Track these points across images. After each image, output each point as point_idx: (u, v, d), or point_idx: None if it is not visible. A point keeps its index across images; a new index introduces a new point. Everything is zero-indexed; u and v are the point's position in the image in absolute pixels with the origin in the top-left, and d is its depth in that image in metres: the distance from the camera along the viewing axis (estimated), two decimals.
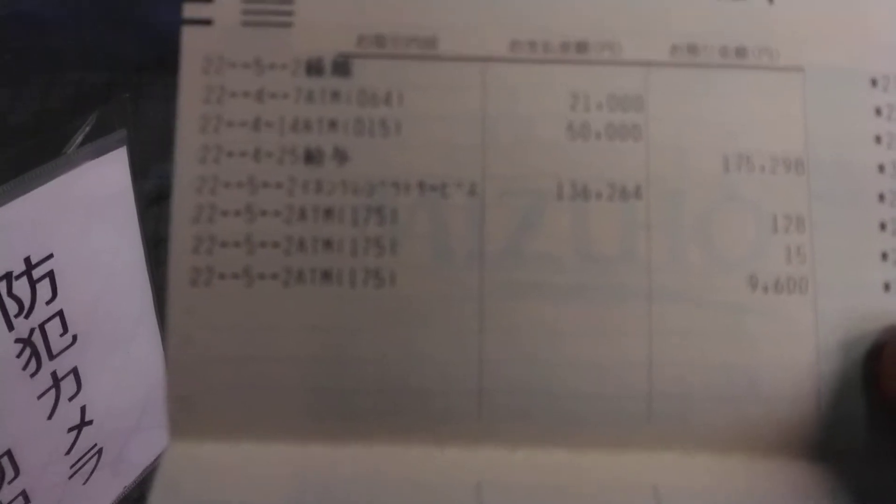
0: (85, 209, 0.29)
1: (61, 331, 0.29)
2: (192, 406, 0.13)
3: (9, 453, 0.28)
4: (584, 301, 0.13)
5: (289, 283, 0.13)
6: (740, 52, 0.14)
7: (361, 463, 0.13)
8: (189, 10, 0.13)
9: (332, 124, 0.13)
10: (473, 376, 0.13)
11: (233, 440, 0.13)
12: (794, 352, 0.13)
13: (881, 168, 0.14)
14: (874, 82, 0.14)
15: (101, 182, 0.29)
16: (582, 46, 0.14)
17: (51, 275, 0.28)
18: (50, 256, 0.28)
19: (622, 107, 0.13)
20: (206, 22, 0.13)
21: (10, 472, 0.28)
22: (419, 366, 0.13)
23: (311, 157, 0.13)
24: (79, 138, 0.30)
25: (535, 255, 0.13)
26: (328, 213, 0.13)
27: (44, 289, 0.28)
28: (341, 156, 0.13)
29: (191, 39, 0.13)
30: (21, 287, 0.27)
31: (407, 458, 0.13)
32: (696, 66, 0.13)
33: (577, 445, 0.13)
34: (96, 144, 0.29)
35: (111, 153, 0.29)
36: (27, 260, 0.27)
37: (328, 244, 0.13)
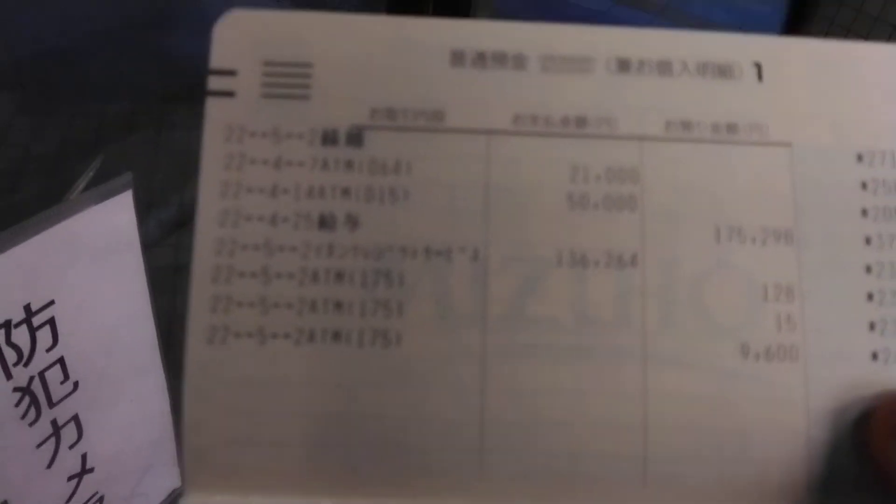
0: (89, 255, 0.29)
1: (62, 378, 0.29)
2: (207, 459, 0.13)
3: None
4: (581, 363, 0.14)
5: (300, 342, 0.14)
6: (731, 128, 0.14)
7: None
8: (213, 83, 0.14)
9: (345, 192, 0.14)
10: (475, 435, 0.13)
11: (244, 493, 0.13)
12: (784, 418, 0.14)
13: (868, 240, 0.14)
14: (860, 157, 0.14)
15: (106, 227, 0.29)
16: (581, 121, 0.14)
17: (51, 322, 0.27)
18: (51, 303, 0.27)
19: (619, 179, 0.14)
20: (229, 94, 0.14)
21: None
22: (422, 424, 0.13)
23: (325, 222, 0.14)
24: (82, 183, 0.30)
25: (536, 318, 0.14)
26: (339, 275, 0.14)
27: (44, 336, 0.27)
28: (353, 222, 0.14)
29: (214, 110, 0.14)
30: (20, 335, 0.26)
31: None
32: (689, 142, 0.14)
33: None
34: (101, 189, 0.28)
35: (116, 197, 0.29)
36: (27, 307, 0.27)
37: (339, 306, 0.14)
